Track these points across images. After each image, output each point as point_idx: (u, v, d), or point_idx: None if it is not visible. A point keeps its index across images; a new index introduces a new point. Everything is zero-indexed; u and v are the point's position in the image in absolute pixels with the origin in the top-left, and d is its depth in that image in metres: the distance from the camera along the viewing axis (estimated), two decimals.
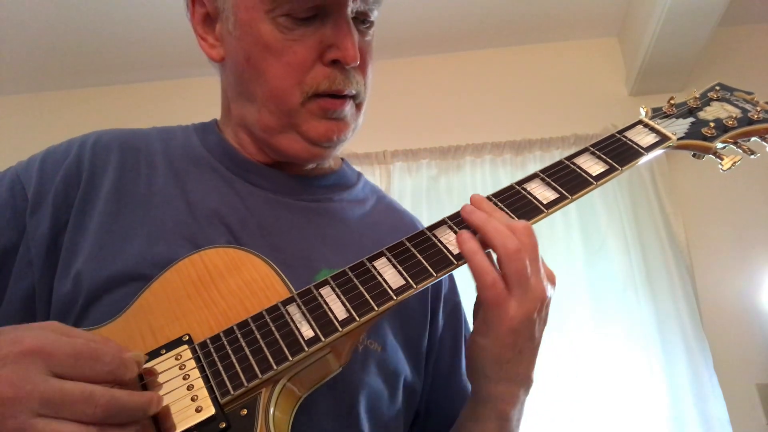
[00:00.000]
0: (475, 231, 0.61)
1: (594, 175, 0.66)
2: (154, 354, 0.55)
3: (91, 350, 0.46)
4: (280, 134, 0.73)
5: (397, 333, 0.73)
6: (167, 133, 0.81)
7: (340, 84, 0.70)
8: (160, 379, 0.53)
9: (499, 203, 0.65)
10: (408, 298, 0.57)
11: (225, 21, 0.72)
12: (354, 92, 0.72)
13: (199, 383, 0.53)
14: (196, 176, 0.75)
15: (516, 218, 0.62)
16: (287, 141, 0.73)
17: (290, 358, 0.53)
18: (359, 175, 0.88)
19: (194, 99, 2.93)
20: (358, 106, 0.75)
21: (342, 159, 0.89)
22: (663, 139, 0.71)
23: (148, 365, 0.54)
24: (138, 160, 0.75)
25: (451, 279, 0.87)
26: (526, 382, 0.65)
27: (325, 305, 0.57)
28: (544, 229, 2.45)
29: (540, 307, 0.60)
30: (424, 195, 2.64)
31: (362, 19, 0.72)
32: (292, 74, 0.69)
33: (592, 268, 2.42)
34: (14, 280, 0.66)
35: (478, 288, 0.58)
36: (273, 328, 0.56)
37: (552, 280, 0.62)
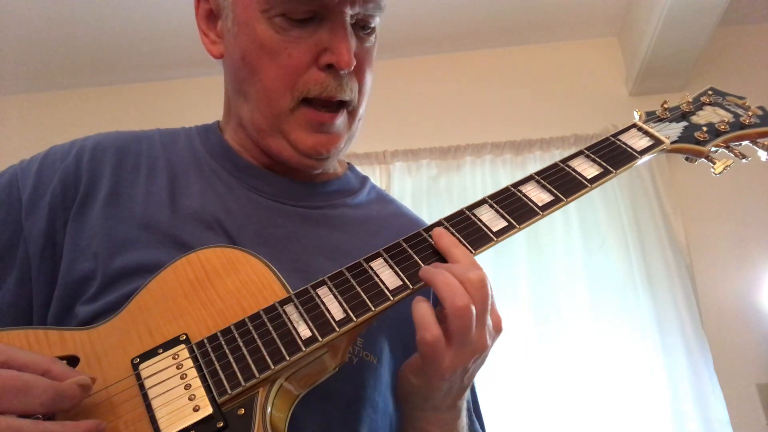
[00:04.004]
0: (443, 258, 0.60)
1: (588, 177, 0.67)
2: (150, 353, 0.56)
3: (21, 383, 0.45)
4: (270, 137, 0.73)
5: (395, 342, 0.72)
6: (170, 136, 0.81)
7: (332, 91, 0.68)
8: (158, 378, 0.54)
9: (495, 205, 0.65)
10: (406, 306, 0.56)
11: (225, 18, 0.72)
12: (347, 99, 0.70)
13: (197, 383, 0.53)
14: (196, 180, 0.74)
15: (511, 221, 0.62)
16: (277, 145, 0.73)
17: (288, 358, 0.53)
18: (365, 180, 0.86)
19: (194, 99, 2.93)
20: (352, 114, 0.73)
21: (348, 163, 0.87)
22: (657, 142, 0.72)
23: (146, 365, 0.55)
24: (138, 162, 0.75)
25: None
26: (454, 404, 0.64)
27: (322, 305, 0.57)
28: (544, 228, 2.45)
29: (477, 357, 0.58)
30: (424, 195, 2.64)
31: (362, 25, 0.71)
32: (285, 77, 0.68)
33: (592, 268, 2.41)
34: (10, 275, 0.67)
35: (418, 340, 0.56)
36: (270, 328, 0.56)
37: (498, 328, 0.60)
